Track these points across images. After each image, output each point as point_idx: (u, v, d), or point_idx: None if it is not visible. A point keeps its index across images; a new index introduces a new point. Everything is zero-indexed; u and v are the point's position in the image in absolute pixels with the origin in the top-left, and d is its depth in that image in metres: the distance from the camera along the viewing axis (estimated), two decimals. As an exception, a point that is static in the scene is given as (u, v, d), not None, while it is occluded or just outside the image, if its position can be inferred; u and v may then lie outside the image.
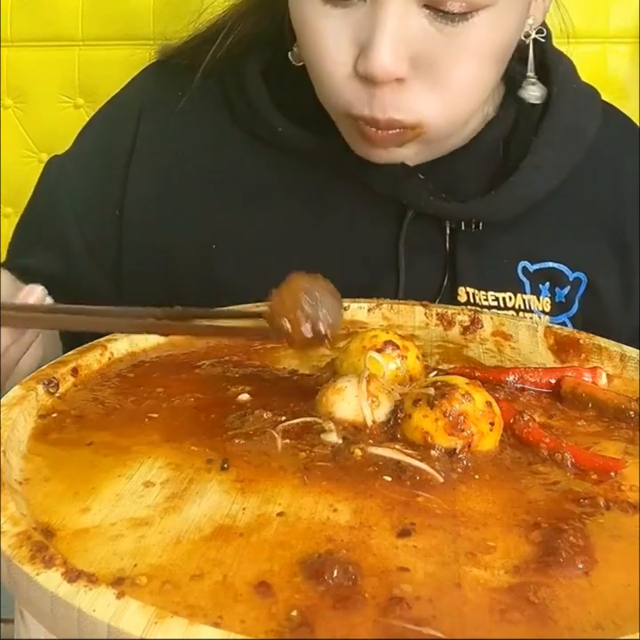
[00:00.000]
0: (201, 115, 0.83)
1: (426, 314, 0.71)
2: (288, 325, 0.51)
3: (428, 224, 0.78)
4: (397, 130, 0.68)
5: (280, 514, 0.43)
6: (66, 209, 0.84)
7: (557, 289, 0.81)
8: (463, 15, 0.64)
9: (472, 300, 0.78)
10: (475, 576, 0.39)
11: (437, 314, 0.70)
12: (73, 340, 0.63)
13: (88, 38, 1.15)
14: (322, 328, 0.51)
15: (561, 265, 0.80)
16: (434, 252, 0.79)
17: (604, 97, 0.85)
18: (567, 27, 0.83)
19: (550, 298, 0.80)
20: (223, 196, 0.81)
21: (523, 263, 0.80)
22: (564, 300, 0.81)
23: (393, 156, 0.72)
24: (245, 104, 0.80)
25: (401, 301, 0.72)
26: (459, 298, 0.78)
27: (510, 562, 0.40)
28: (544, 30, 0.77)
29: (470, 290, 0.78)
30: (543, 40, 0.78)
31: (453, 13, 0.63)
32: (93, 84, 1.15)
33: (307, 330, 0.51)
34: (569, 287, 0.81)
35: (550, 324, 0.68)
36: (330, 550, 0.40)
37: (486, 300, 0.78)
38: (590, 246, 0.82)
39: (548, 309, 0.80)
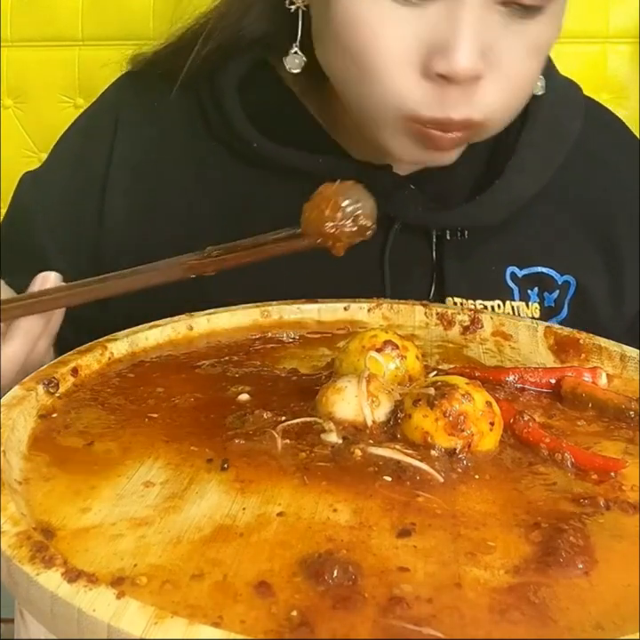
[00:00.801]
0: (177, 127, 0.81)
1: (426, 314, 0.71)
2: (331, 229, 0.53)
3: (413, 234, 0.78)
4: (468, 131, 0.67)
5: (280, 514, 0.43)
6: (43, 228, 0.82)
7: (546, 294, 0.80)
8: (537, 10, 0.64)
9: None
10: (475, 576, 0.39)
11: (437, 314, 0.70)
12: (74, 342, 0.63)
13: (88, 38, 1.15)
14: (363, 221, 0.53)
15: (549, 269, 0.80)
16: (420, 262, 0.78)
17: (604, 97, 0.85)
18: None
19: (539, 303, 0.80)
20: (203, 210, 0.79)
21: (511, 269, 0.79)
22: (553, 305, 0.80)
23: (444, 158, 0.70)
24: (220, 118, 0.78)
25: (401, 301, 0.72)
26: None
27: (510, 562, 0.40)
28: None
29: (458, 299, 0.77)
30: None
31: (527, 6, 0.64)
32: (93, 84, 1.14)
33: (350, 227, 0.53)
34: (558, 291, 0.80)
35: (550, 324, 0.68)
36: (330, 550, 0.40)
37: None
38: (578, 248, 0.81)
39: (537, 315, 0.80)
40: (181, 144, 0.81)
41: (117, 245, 0.80)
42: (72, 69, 1.16)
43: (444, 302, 0.77)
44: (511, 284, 0.79)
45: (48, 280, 0.61)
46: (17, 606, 0.41)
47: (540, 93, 0.77)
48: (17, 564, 0.37)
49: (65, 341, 0.78)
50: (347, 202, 0.53)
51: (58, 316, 0.62)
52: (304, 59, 0.73)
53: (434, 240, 0.77)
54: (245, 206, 0.79)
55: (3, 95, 1.18)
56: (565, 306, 0.81)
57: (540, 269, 0.80)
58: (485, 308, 0.78)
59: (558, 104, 0.80)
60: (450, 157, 0.71)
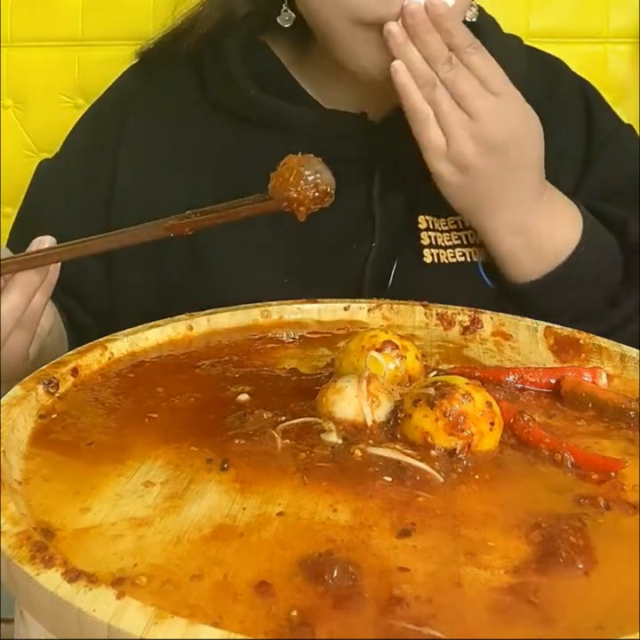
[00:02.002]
0: (181, 108, 0.85)
1: (426, 314, 0.71)
2: (294, 194, 0.60)
3: (394, 172, 0.82)
4: None
5: (280, 514, 0.43)
6: (61, 211, 0.85)
7: None
8: None
9: (431, 226, 0.82)
10: (475, 576, 0.39)
11: (437, 314, 0.70)
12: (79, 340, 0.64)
13: (88, 38, 1.15)
14: (323, 187, 0.60)
15: None
16: (400, 194, 0.83)
17: (604, 97, 0.85)
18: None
19: None
20: (208, 182, 0.83)
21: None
22: None
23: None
24: (225, 82, 0.83)
25: (401, 302, 0.72)
26: (419, 225, 0.82)
27: (510, 562, 0.40)
28: None
29: (428, 217, 0.82)
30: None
31: None
32: (93, 84, 1.14)
33: (312, 193, 0.60)
34: None
35: (550, 324, 0.68)
36: (330, 550, 0.40)
37: (446, 224, 0.83)
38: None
39: None
40: (188, 120, 0.85)
41: (126, 217, 0.83)
42: (72, 69, 1.16)
43: (416, 221, 0.82)
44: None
45: (44, 243, 0.63)
46: (17, 606, 0.41)
47: (472, 20, 0.82)
48: (17, 564, 0.37)
49: (85, 331, 0.80)
50: (308, 171, 0.60)
51: (53, 272, 0.65)
52: (293, 15, 0.80)
53: (411, 174, 0.81)
54: (255, 177, 0.82)
55: (3, 95, 1.17)
56: None
57: None
58: (455, 223, 0.83)
59: (503, 51, 0.81)
60: None
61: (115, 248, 0.66)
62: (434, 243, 0.82)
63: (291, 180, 0.60)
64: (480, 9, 0.85)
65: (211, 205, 0.62)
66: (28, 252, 0.63)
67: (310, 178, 0.60)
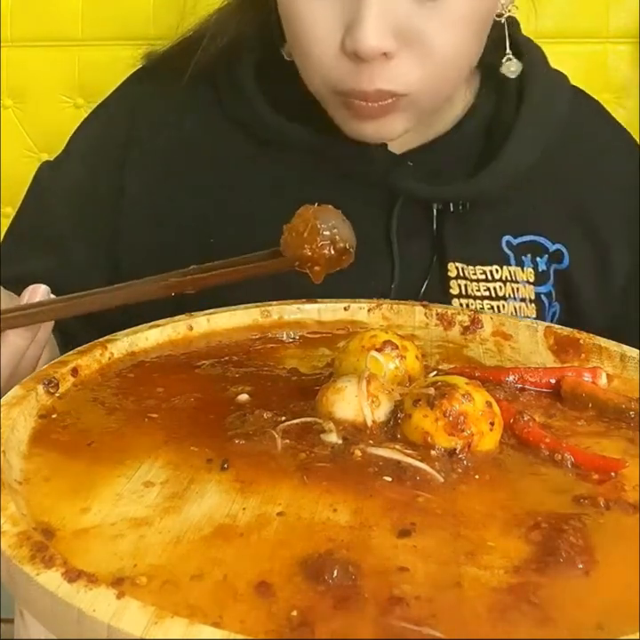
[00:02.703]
0: (192, 117, 0.84)
1: (426, 314, 0.71)
2: (309, 252, 0.55)
3: (416, 209, 0.81)
4: (387, 100, 0.71)
5: (280, 514, 0.43)
6: (63, 213, 0.84)
7: (538, 258, 0.84)
8: None
9: (462, 274, 0.81)
10: (475, 576, 0.39)
11: (437, 314, 0.70)
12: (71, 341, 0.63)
13: (88, 38, 1.15)
14: (341, 245, 0.56)
15: (541, 237, 0.84)
16: (422, 234, 0.82)
17: (604, 97, 0.85)
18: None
19: (533, 268, 0.84)
20: (217, 193, 0.82)
21: (506, 237, 0.83)
22: (545, 269, 0.85)
23: (383, 130, 0.74)
24: (240, 103, 0.82)
25: (401, 301, 0.72)
26: (449, 273, 0.81)
27: (510, 562, 0.40)
28: (514, 15, 0.81)
29: (459, 265, 0.82)
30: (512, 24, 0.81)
31: None
32: (93, 84, 1.15)
33: (329, 251, 0.56)
34: (547, 256, 0.84)
35: (550, 324, 0.68)
36: (330, 550, 0.40)
37: (475, 273, 0.82)
38: (566, 221, 0.85)
39: (532, 279, 0.84)
40: (197, 130, 0.84)
41: (135, 235, 0.83)
42: (72, 69, 1.16)
43: (446, 268, 0.81)
44: (507, 251, 0.84)
45: (37, 292, 0.61)
46: (17, 606, 0.41)
47: (512, 76, 0.82)
48: (17, 564, 0.37)
49: (73, 337, 0.79)
50: (324, 225, 0.56)
51: (46, 326, 0.63)
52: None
53: (434, 213, 0.82)
54: (262, 187, 0.83)
55: (3, 95, 1.17)
56: (551, 276, 0.85)
57: (532, 237, 0.84)
58: (484, 273, 0.82)
59: (549, 89, 0.84)
60: (393, 128, 0.75)
61: (113, 305, 0.60)
62: (464, 292, 0.82)
63: (305, 235, 0.56)
64: (526, 42, 0.84)
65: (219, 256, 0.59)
66: (19, 307, 0.60)
67: (326, 233, 0.56)
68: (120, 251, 0.83)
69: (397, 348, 0.55)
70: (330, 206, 0.58)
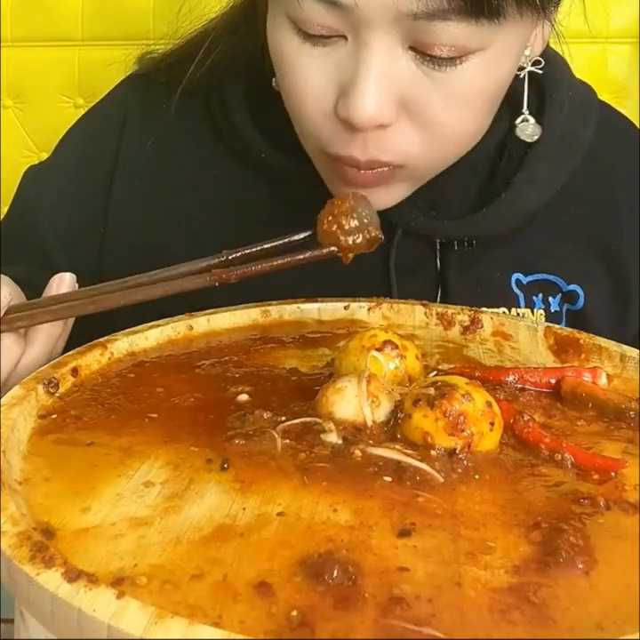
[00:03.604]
0: (185, 131, 0.81)
1: (426, 313, 0.71)
2: (345, 242, 0.57)
3: (417, 242, 0.77)
4: (380, 169, 0.65)
5: (280, 514, 0.43)
6: (47, 224, 0.82)
7: (551, 298, 0.79)
8: (452, 60, 0.60)
9: None
10: (475, 576, 0.39)
11: (437, 313, 0.70)
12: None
13: (88, 38, 1.15)
14: (374, 233, 0.57)
15: (555, 277, 0.79)
16: (425, 270, 0.78)
17: (604, 97, 0.85)
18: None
19: (544, 309, 0.79)
20: (208, 216, 0.80)
21: (516, 275, 0.78)
22: (558, 309, 0.80)
23: (375, 199, 0.65)
24: (229, 127, 0.78)
25: (400, 301, 0.72)
26: None
27: (510, 562, 0.40)
28: (541, 61, 0.73)
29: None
30: (540, 72, 0.74)
31: (441, 58, 0.60)
32: (93, 84, 1.15)
33: (363, 238, 0.57)
34: (560, 295, 0.79)
35: (550, 324, 0.68)
36: (330, 550, 0.40)
37: None
38: (583, 257, 0.80)
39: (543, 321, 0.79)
40: (188, 146, 0.81)
41: (121, 250, 0.81)
42: (72, 69, 1.16)
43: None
44: (516, 291, 0.78)
45: (64, 282, 0.61)
46: (17, 606, 0.41)
47: (528, 139, 0.75)
48: (17, 564, 0.37)
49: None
50: (361, 214, 0.57)
51: (73, 318, 0.62)
52: None
53: (438, 248, 0.77)
54: (254, 213, 0.79)
55: (3, 95, 1.17)
56: (564, 317, 0.80)
57: (545, 276, 0.79)
58: None
59: (573, 116, 0.77)
60: (382, 199, 0.69)
61: (150, 299, 0.58)
62: None
63: (345, 226, 0.57)
64: (548, 53, 0.74)
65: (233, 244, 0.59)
66: (53, 298, 0.59)
67: (364, 221, 0.57)
68: (104, 269, 0.81)
69: (397, 347, 0.55)
70: (361, 194, 0.58)
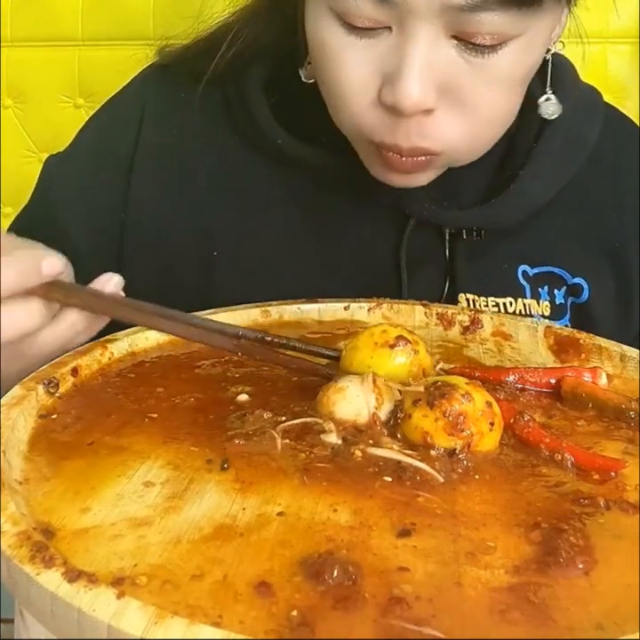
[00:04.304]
0: (203, 122, 0.82)
1: (426, 313, 0.71)
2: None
3: (428, 232, 0.78)
4: (422, 157, 0.68)
5: (280, 514, 0.43)
6: (68, 210, 0.83)
7: (556, 291, 0.80)
8: (492, 47, 0.63)
9: (473, 306, 0.78)
10: (475, 576, 0.39)
11: (437, 314, 0.70)
12: None
13: (88, 38, 1.15)
14: None
15: (561, 270, 0.80)
16: (434, 260, 0.79)
17: (604, 97, 0.85)
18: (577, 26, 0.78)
19: (549, 301, 0.80)
20: (225, 205, 0.81)
21: (522, 267, 0.80)
22: (563, 302, 0.81)
23: (411, 181, 0.71)
24: (246, 116, 0.80)
25: (401, 301, 0.72)
26: (459, 305, 0.78)
27: (510, 562, 0.40)
28: (563, 43, 0.76)
29: (470, 296, 0.78)
30: (561, 52, 0.76)
31: (483, 46, 0.62)
32: (93, 84, 1.15)
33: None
34: (565, 288, 0.81)
35: (550, 324, 0.68)
36: (330, 550, 0.40)
37: (487, 305, 0.78)
38: (588, 253, 0.81)
39: (547, 313, 0.80)
40: (206, 139, 0.82)
41: (140, 238, 0.82)
42: (72, 69, 1.16)
43: (456, 299, 0.78)
44: (523, 282, 0.80)
45: (110, 282, 0.60)
46: (17, 606, 0.41)
47: (550, 117, 0.77)
48: (17, 564, 0.37)
49: None
50: None
51: (102, 322, 0.62)
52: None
53: (447, 238, 0.79)
54: (269, 202, 0.81)
55: (3, 95, 1.18)
56: (568, 310, 0.81)
57: (551, 269, 0.80)
58: (497, 305, 0.79)
59: (578, 114, 0.79)
60: (420, 180, 0.71)
61: (173, 334, 0.61)
62: None
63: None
64: (557, 57, 0.76)
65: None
66: (94, 291, 0.60)
67: None
68: (123, 256, 0.82)
69: (410, 342, 0.55)
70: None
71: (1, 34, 1.14)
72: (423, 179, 0.72)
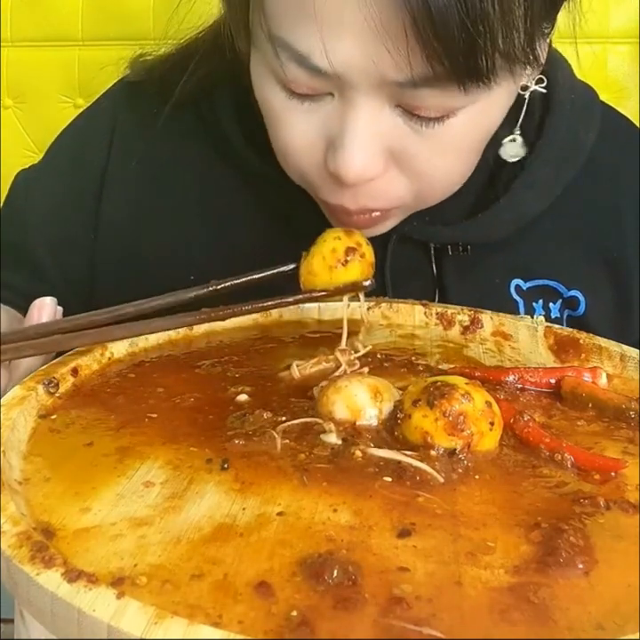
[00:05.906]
0: (175, 139, 0.80)
1: (425, 313, 0.71)
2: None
3: (412, 248, 0.76)
4: (376, 213, 0.66)
5: (280, 514, 0.43)
6: (37, 230, 0.81)
7: (551, 305, 0.78)
8: (440, 118, 0.59)
9: None
10: (475, 576, 0.39)
11: (437, 313, 0.70)
12: None
13: (88, 38, 1.15)
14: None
15: (556, 282, 0.78)
16: (421, 276, 0.77)
17: (604, 97, 0.84)
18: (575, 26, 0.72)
19: (545, 316, 0.76)
20: (198, 224, 0.79)
21: (515, 281, 0.77)
22: (559, 316, 0.79)
23: (371, 231, 0.68)
24: (219, 136, 0.78)
25: (400, 300, 0.72)
26: None
27: (510, 562, 0.40)
28: (544, 79, 0.72)
29: None
30: (544, 91, 0.73)
31: (429, 118, 0.59)
32: (93, 84, 1.14)
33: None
34: (561, 301, 0.78)
35: (550, 324, 0.68)
36: (330, 550, 0.40)
37: None
38: (585, 264, 0.79)
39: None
40: (178, 153, 0.80)
41: (111, 257, 0.80)
42: (72, 69, 1.16)
43: None
44: (516, 297, 0.78)
45: (44, 307, 0.59)
46: (17, 606, 0.41)
47: (510, 160, 0.74)
48: (17, 564, 0.37)
49: None
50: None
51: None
52: None
53: (433, 254, 0.76)
54: (246, 220, 0.79)
55: (3, 95, 1.18)
56: (564, 324, 0.78)
57: (545, 282, 0.78)
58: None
59: (575, 119, 0.76)
60: (380, 229, 0.70)
61: (133, 336, 0.60)
62: None
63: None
64: (551, 56, 0.70)
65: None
66: (36, 327, 0.58)
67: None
68: (95, 276, 0.80)
69: (356, 249, 0.59)
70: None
71: (1, 34, 1.14)
72: (385, 227, 0.70)
